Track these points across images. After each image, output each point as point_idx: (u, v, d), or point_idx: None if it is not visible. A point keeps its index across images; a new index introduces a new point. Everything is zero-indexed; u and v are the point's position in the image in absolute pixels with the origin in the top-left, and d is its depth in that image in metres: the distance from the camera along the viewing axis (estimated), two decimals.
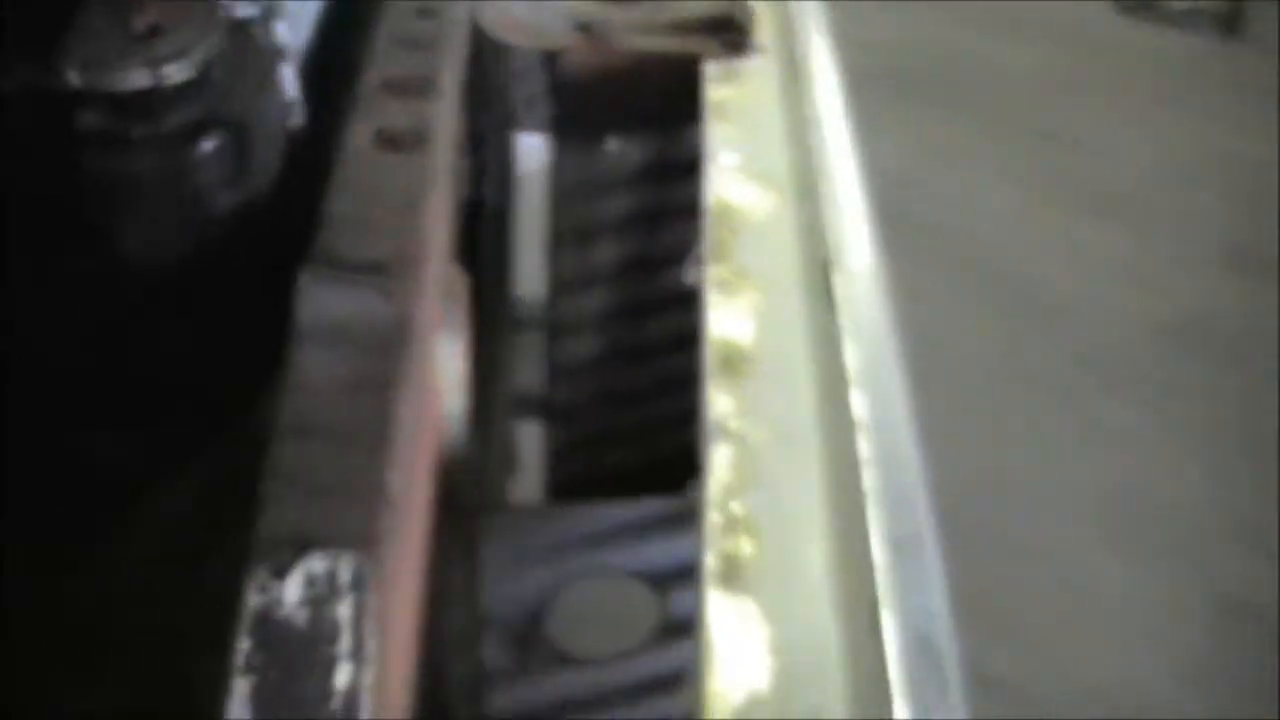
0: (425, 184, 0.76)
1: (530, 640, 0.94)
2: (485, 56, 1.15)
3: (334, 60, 0.92)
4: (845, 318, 0.83)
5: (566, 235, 1.31)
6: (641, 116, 1.25)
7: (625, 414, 1.41)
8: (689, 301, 1.31)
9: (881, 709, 0.60)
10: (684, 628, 0.96)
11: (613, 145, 1.26)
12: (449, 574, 0.86)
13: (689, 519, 0.94)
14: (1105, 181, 4.49)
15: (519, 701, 0.97)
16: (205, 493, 0.75)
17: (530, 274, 1.43)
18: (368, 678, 0.52)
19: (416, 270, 0.70)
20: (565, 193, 1.29)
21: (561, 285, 1.34)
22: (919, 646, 0.63)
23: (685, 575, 0.96)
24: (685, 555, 0.95)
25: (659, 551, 0.95)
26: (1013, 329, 3.64)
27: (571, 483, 1.44)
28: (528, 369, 1.53)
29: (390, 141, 0.80)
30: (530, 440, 1.46)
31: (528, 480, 1.44)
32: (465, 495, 0.88)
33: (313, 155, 0.82)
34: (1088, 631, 2.89)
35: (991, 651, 2.70)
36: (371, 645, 0.53)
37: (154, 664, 0.77)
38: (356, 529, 0.56)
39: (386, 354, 0.64)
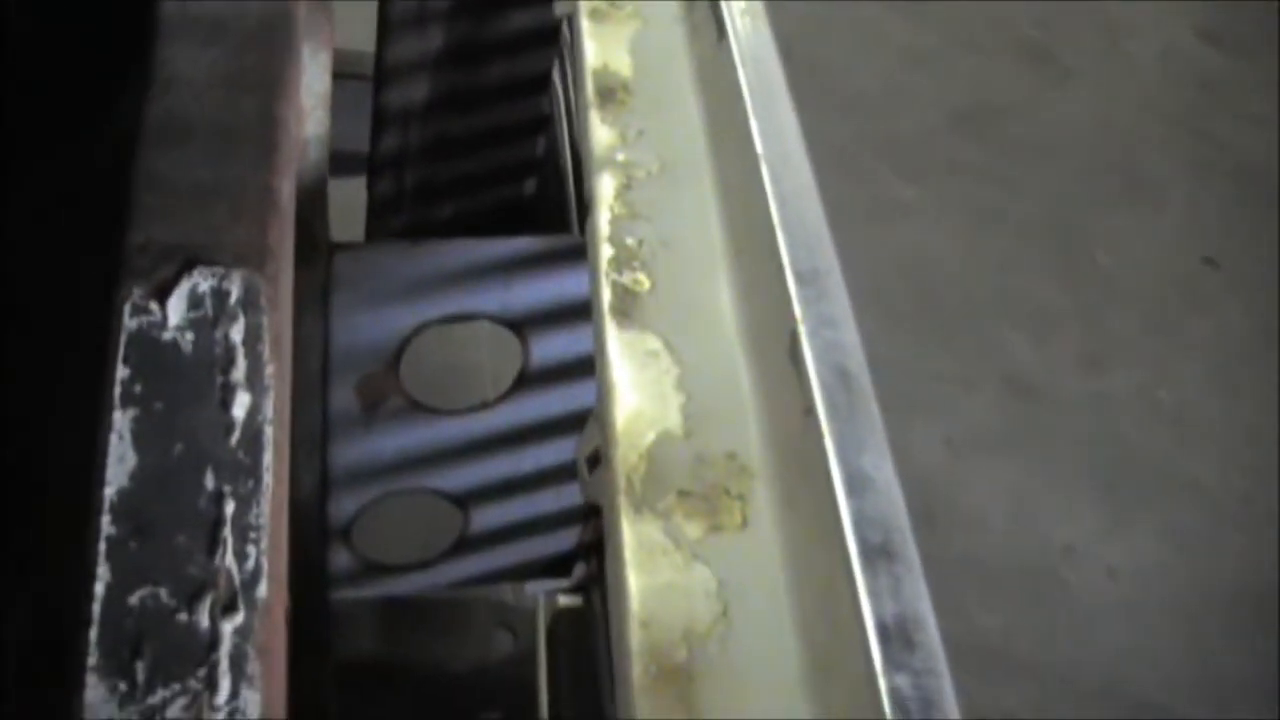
0: None
1: (382, 387, 0.89)
2: None
3: None
4: (736, 47, 0.78)
5: None
6: None
7: (456, 163, 1.34)
8: (531, 44, 1.23)
9: (806, 444, 0.57)
10: (546, 375, 0.92)
11: None
12: (299, 316, 0.80)
13: (557, 258, 0.89)
14: None
15: (368, 453, 0.92)
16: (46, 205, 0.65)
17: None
18: (269, 408, 0.46)
19: None
20: None
21: (392, 28, 1.24)
22: (839, 379, 0.59)
23: (551, 319, 0.92)
24: (550, 296, 0.91)
25: (523, 293, 0.89)
26: (813, 114, 3.62)
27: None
28: (348, 122, 1.44)
29: None
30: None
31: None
32: (319, 231, 0.81)
33: None
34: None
35: None
36: (270, 371, 0.47)
37: None
38: (247, 241, 0.49)
39: (265, 49, 0.56)
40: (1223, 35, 4.23)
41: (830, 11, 4.14)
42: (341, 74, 1.51)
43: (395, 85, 1.28)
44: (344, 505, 0.94)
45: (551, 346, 0.91)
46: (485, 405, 0.93)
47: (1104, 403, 3.03)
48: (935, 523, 2.65)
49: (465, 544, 1.02)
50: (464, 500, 0.99)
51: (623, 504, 0.56)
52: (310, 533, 0.90)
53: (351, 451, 0.91)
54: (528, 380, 0.93)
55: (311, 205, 0.76)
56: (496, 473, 0.97)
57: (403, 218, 1.37)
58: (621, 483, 0.57)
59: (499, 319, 0.89)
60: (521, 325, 0.90)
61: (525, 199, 1.37)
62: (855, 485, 0.55)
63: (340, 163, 1.50)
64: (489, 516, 1.01)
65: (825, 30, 4.04)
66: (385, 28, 1.26)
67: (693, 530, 0.57)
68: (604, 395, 0.61)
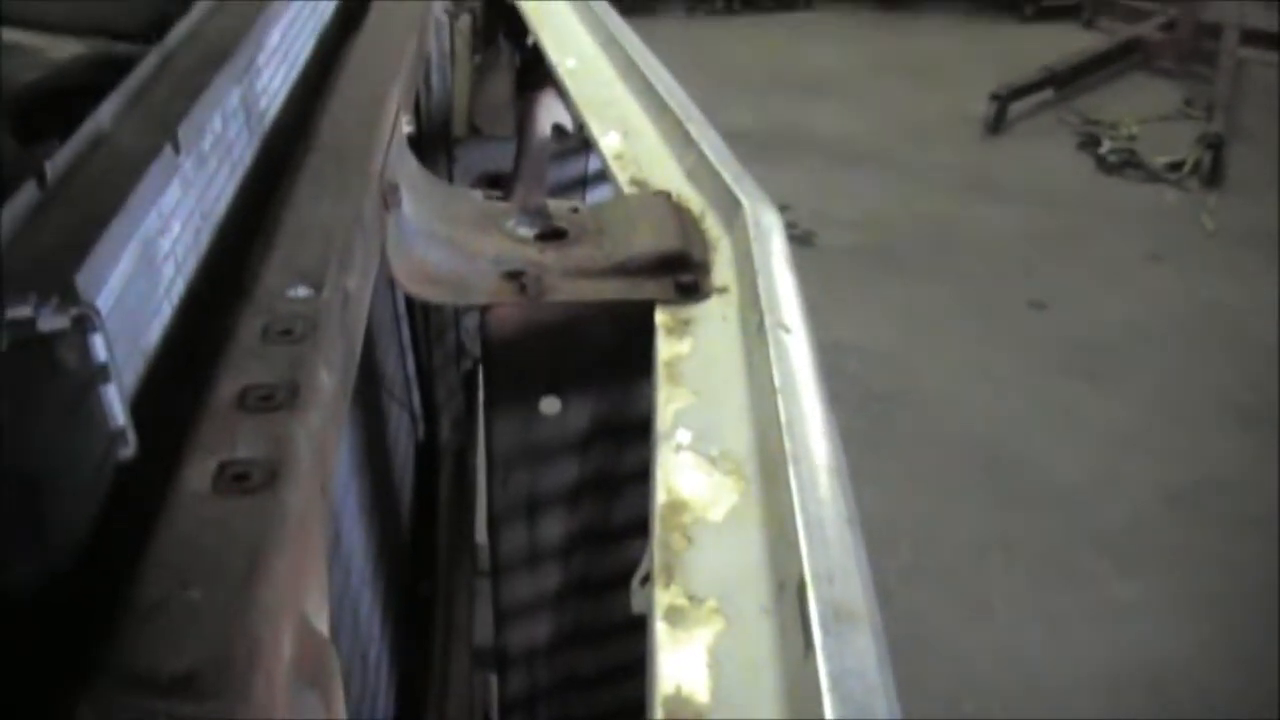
0: (270, 541, 0.59)
1: None
2: None
3: (187, 364, 0.76)
4: (825, 666, 0.65)
5: (508, 512, 1.14)
6: (585, 375, 1.09)
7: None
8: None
9: None
10: None
11: (552, 408, 1.09)
12: None
13: None
14: (1097, 344, 4.38)
15: None
16: None
17: None
18: None
19: (244, 682, 0.52)
20: (504, 464, 1.12)
21: (506, 567, 1.16)
22: None
23: None
24: None
25: None
26: (1016, 511, 3.47)
27: None
28: None
29: (235, 480, 0.63)
30: None
31: None
32: None
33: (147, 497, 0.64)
34: None
35: None
36: None
37: None
38: None
39: None
40: None
41: (1032, 401, 4.03)
42: None
43: (513, 622, 1.19)
44: None
45: None
46: None
47: None
48: None
49: None
50: None
51: None
52: None
53: None
54: None
55: None
56: None
57: None
58: None
59: None
60: None
61: None
62: None
63: None
64: None
65: (1028, 420, 3.92)
66: (498, 568, 1.18)
67: None
68: None
